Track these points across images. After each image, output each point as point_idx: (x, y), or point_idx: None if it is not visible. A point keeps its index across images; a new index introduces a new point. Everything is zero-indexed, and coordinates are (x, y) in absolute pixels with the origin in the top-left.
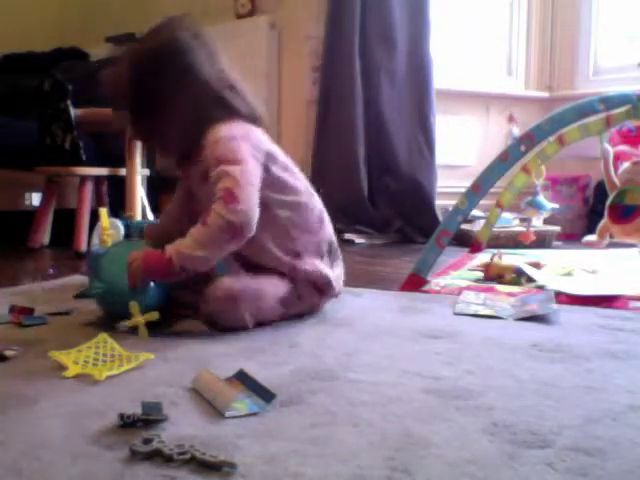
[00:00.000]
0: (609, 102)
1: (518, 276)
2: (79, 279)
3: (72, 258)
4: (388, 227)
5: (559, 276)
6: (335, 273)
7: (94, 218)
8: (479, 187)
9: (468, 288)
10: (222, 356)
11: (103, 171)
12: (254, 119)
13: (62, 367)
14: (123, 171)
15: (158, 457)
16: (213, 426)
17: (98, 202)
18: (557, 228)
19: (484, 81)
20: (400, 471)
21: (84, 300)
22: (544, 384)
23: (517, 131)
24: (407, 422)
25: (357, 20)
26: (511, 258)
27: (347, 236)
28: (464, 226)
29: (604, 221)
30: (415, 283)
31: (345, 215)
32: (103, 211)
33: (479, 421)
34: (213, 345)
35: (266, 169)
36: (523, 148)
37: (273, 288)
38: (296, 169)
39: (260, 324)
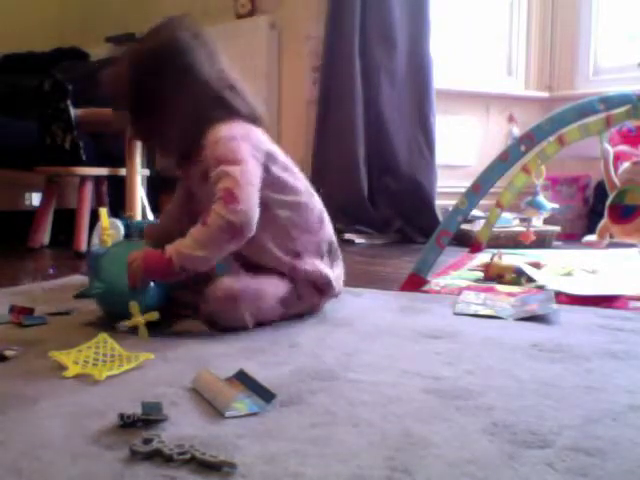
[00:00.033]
0: (609, 102)
1: (518, 276)
2: (79, 279)
3: (72, 258)
4: (388, 227)
5: (559, 276)
6: (335, 273)
7: (94, 218)
8: (479, 187)
9: (468, 288)
10: (222, 356)
11: (103, 171)
12: (254, 119)
13: (62, 367)
14: (123, 171)
15: (158, 457)
16: (213, 426)
17: (98, 202)
18: (557, 228)
19: (484, 81)
20: (400, 471)
21: (84, 300)
22: (544, 384)
23: (517, 131)
24: (407, 422)
25: (357, 20)
26: (511, 258)
27: (347, 236)
28: (464, 226)
29: (604, 221)
30: (415, 283)
31: (345, 215)
32: (103, 211)
33: (479, 421)
34: (213, 345)
35: (266, 169)
36: (523, 148)
37: (273, 288)
38: (296, 169)
39: (260, 324)
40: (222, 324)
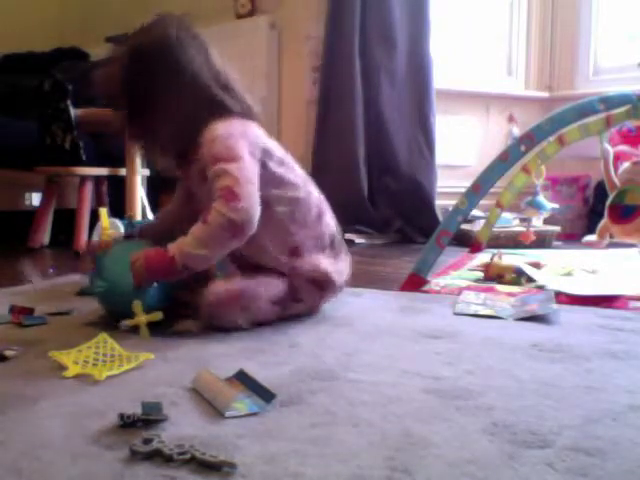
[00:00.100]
0: (609, 102)
1: (518, 276)
2: (79, 279)
3: (72, 258)
4: (388, 227)
5: (559, 276)
6: (337, 267)
7: (94, 218)
8: (479, 187)
9: (468, 288)
10: (222, 356)
11: (103, 171)
12: (248, 114)
13: (62, 367)
14: (123, 171)
15: (158, 457)
16: (213, 426)
17: (98, 202)
18: (557, 228)
19: (484, 81)
20: (400, 471)
21: (84, 300)
22: (544, 384)
23: (517, 131)
24: (407, 422)
25: (357, 20)
26: (511, 258)
27: (347, 236)
28: (464, 226)
29: (604, 221)
30: (415, 283)
31: (345, 215)
32: (103, 211)
33: (479, 421)
34: (213, 345)
35: (263, 165)
36: (523, 148)
37: (267, 288)
38: (293, 162)
39: (260, 324)
40: (218, 325)
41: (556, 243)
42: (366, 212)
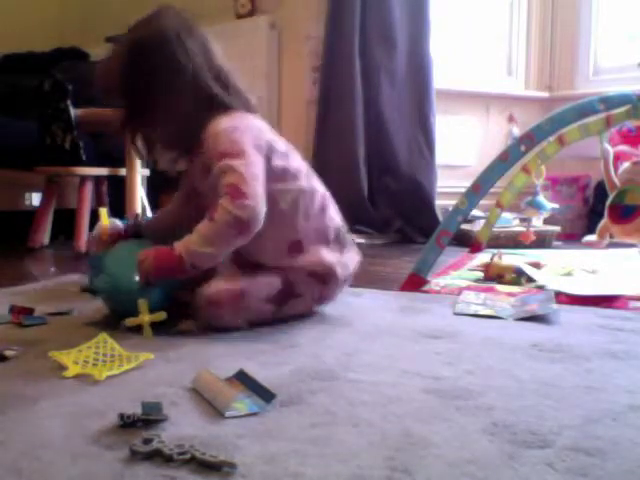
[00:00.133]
0: (609, 102)
1: (518, 276)
2: (79, 279)
3: (72, 258)
4: (388, 227)
5: (559, 276)
6: (342, 260)
7: (94, 218)
8: (479, 187)
9: (468, 288)
10: (222, 356)
11: (103, 171)
12: (249, 108)
13: (62, 367)
14: (123, 171)
15: (158, 457)
16: (213, 426)
17: (98, 202)
18: (557, 228)
19: (484, 81)
20: (400, 471)
21: (84, 300)
22: (544, 384)
23: (517, 131)
24: (407, 422)
25: (357, 20)
26: (511, 258)
27: None
28: (464, 226)
29: (604, 221)
30: (415, 283)
31: (345, 215)
32: (103, 211)
33: (479, 421)
34: (213, 345)
35: (267, 159)
36: (523, 148)
37: (262, 287)
38: (296, 155)
39: (260, 324)
40: (217, 326)
41: (556, 243)
42: (366, 212)
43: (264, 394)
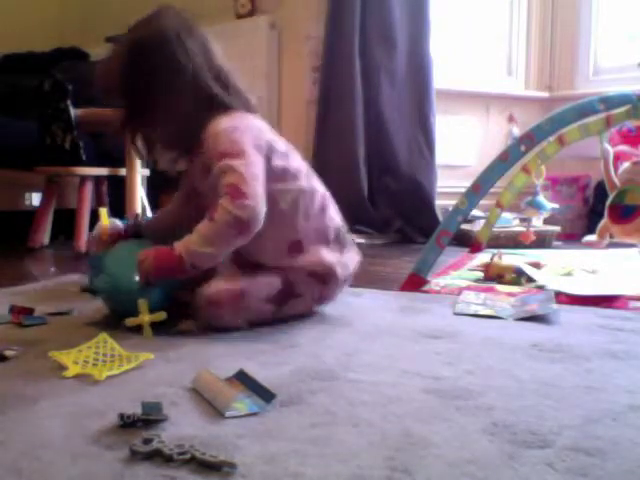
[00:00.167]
0: (609, 102)
1: (518, 276)
2: (79, 279)
3: (72, 258)
4: (388, 227)
5: (559, 276)
6: (342, 260)
7: (94, 218)
8: (479, 187)
9: (468, 288)
10: (222, 356)
11: (103, 171)
12: (249, 107)
13: (62, 367)
14: (123, 171)
15: (158, 457)
16: (213, 426)
17: (98, 202)
18: (557, 228)
19: (484, 81)
20: (400, 471)
21: (84, 300)
22: (544, 384)
23: (517, 131)
24: (407, 422)
25: (357, 20)
26: (511, 258)
27: None
28: (464, 226)
29: (604, 221)
30: (415, 283)
31: (345, 215)
32: (103, 211)
33: (479, 421)
34: (213, 345)
35: (267, 159)
36: (523, 148)
37: (261, 287)
38: (296, 154)
39: (260, 324)
40: (217, 326)
41: (556, 243)
42: (366, 212)
43: (264, 394)
